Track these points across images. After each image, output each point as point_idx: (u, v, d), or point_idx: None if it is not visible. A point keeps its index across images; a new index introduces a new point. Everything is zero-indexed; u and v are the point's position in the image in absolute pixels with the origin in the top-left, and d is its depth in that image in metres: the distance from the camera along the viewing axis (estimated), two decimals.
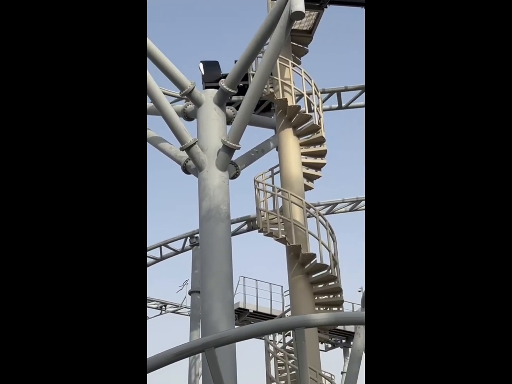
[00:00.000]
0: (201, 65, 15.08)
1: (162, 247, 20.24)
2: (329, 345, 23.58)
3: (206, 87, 13.86)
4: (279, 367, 11.76)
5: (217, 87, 12.38)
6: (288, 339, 13.25)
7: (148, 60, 10.88)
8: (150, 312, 23.19)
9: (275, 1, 11.32)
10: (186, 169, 11.81)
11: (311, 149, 12.91)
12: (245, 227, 19.50)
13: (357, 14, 13.19)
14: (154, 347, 6.18)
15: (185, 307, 22.85)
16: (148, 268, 20.75)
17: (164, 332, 41.51)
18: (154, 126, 14.18)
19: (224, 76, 13.47)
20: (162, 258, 20.55)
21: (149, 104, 11.98)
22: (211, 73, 14.09)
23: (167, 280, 42.55)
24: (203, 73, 14.72)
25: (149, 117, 12.61)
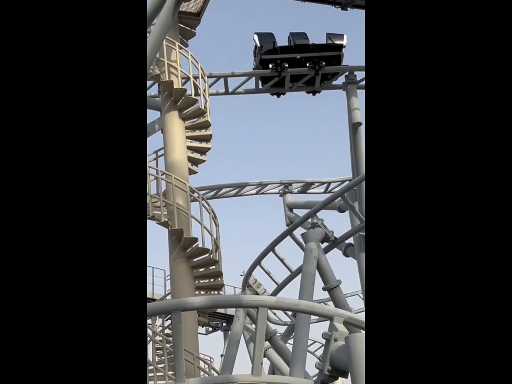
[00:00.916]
0: (255, 37, 15.10)
1: None
2: (210, 329, 23.85)
3: (261, 60, 14.64)
4: (157, 351, 11.77)
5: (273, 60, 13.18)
6: (168, 323, 13.26)
7: None
8: None
9: None
10: None
11: (197, 133, 12.91)
12: None
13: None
14: None
15: None
16: None
17: None
18: None
19: (280, 48, 14.59)
20: None
21: None
22: (267, 43, 14.94)
23: None
24: (258, 44, 14.92)
25: None
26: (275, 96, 16.30)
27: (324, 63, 15.09)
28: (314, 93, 16.28)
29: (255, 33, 15.40)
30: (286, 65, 15.03)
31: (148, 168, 12.47)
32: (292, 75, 15.46)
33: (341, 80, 16.05)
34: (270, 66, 15.14)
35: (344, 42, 15.48)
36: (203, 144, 13.00)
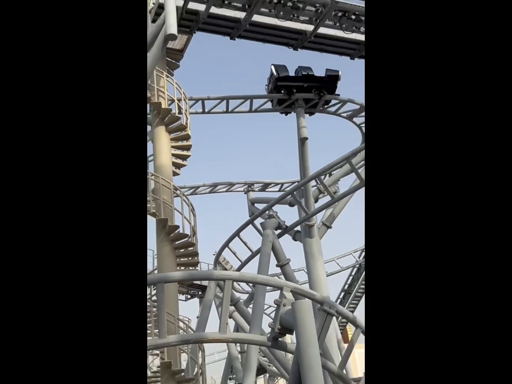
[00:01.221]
0: (272, 67, 14.62)
1: None
2: (188, 296, 23.70)
3: (276, 86, 14.15)
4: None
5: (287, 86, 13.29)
6: (154, 292, 13.14)
7: None
8: None
9: (153, 24, 11.11)
10: None
11: (179, 143, 12.84)
12: None
13: (220, 40, 13.25)
14: None
15: None
16: None
17: None
18: None
19: (292, 77, 14.30)
20: None
21: None
22: (283, 74, 14.47)
23: None
24: (274, 73, 14.46)
25: None
26: (283, 114, 15.87)
27: (325, 92, 14.82)
28: (311, 113, 16.00)
29: (272, 64, 14.94)
30: (295, 90, 14.68)
31: None
32: (299, 99, 15.01)
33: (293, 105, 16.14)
34: (282, 91, 14.67)
35: (339, 76, 15.36)
36: (184, 152, 12.93)
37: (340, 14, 12.69)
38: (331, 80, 14.87)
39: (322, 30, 13.12)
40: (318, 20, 12.62)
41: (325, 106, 15.51)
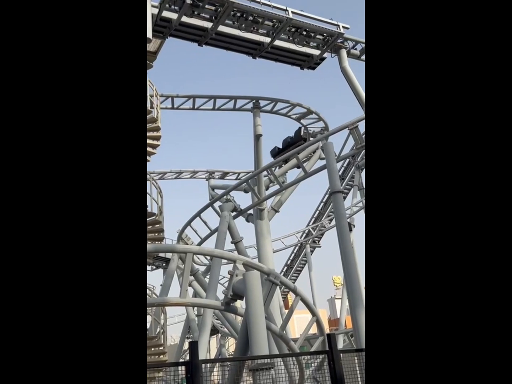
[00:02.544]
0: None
1: None
2: (154, 267, 23.39)
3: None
4: None
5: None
6: None
7: None
8: None
9: None
10: None
11: (150, 134, 12.57)
12: None
13: (189, 45, 13.01)
14: None
15: None
16: None
17: None
18: None
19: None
20: None
21: None
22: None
23: None
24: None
25: None
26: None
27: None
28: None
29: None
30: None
31: None
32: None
33: (250, 105, 16.15)
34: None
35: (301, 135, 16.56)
36: (155, 142, 12.65)
37: (293, 29, 12.74)
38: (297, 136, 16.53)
39: (277, 42, 13.13)
40: (274, 34, 12.62)
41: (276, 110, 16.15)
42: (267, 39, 13.15)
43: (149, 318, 11.97)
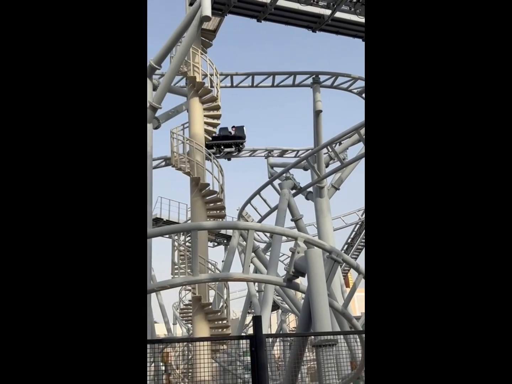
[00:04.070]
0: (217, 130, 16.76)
1: None
2: (216, 244, 24.07)
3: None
4: (180, 257, 11.91)
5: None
6: (187, 238, 13.38)
7: None
8: None
9: (191, 7, 10.89)
10: None
11: (210, 112, 12.73)
12: (163, 163, 19.07)
13: (248, 22, 12.92)
14: None
15: None
16: None
17: None
18: None
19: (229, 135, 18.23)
20: None
21: None
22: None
23: None
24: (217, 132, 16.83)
25: None
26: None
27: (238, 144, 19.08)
28: (229, 159, 19.72)
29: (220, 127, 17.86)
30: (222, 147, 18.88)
31: (177, 135, 12.34)
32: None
33: (309, 81, 15.84)
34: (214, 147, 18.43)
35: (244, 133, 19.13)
36: (215, 121, 12.82)
37: (354, 0, 12.22)
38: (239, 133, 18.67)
39: (338, 14, 12.68)
40: (335, 5, 12.19)
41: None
42: (327, 12, 12.73)
43: (212, 292, 12.39)
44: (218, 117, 12.79)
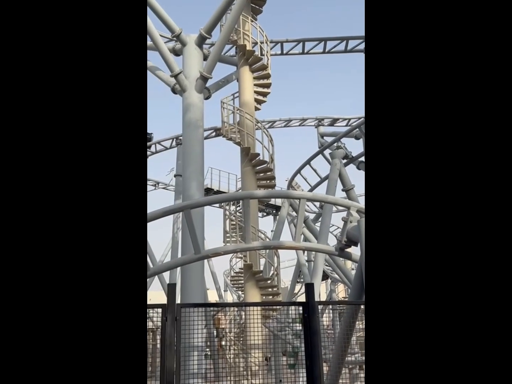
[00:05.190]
0: None
1: (156, 144, 19.85)
2: (265, 214, 24.28)
3: None
4: (232, 226, 12.13)
5: None
6: (237, 209, 13.57)
7: (148, 9, 10.13)
8: (147, 188, 23.14)
9: None
10: (174, 91, 11.36)
11: (261, 81, 12.60)
12: (213, 134, 19.27)
13: None
14: (151, 210, 6.23)
15: (171, 186, 22.86)
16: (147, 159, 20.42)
17: (157, 202, 41.87)
18: (152, 59, 13.49)
19: None
20: (157, 152, 20.24)
21: (149, 43, 11.29)
22: None
23: (159, 167, 42.28)
24: None
25: (148, 52, 11.93)
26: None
27: None
28: None
29: None
30: None
31: (227, 105, 12.36)
32: None
33: (362, 46, 15.20)
34: None
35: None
36: (265, 89, 12.69)
37: None
38: None
39: None
40: None
41: None
42: None
43: (262, 261, 12.61)
44: (268, 85, 12.65)
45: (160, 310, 4.03)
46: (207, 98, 11.61)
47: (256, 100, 12.51)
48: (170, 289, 3.95)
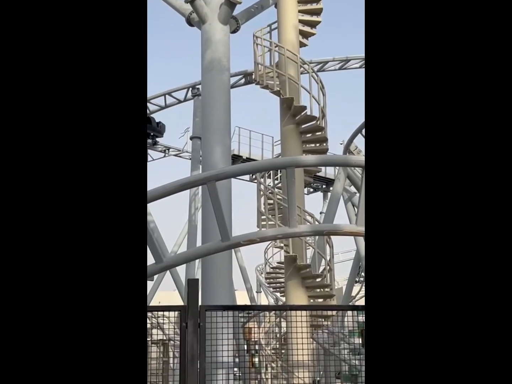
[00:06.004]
0: None
1: (166, 96, 19.94)
2: (311, 190, 24.20)
3: None
4: (268, 205, 12.13)
5: None
6: (275, 183, 13.56)
7: None
8: (155, 155, 23.41)
9: None
10: (190, 22, 11.27)
11: (308, 6, 12.35)
12: (243, 81, 19.17)
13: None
14: (160, 184, 6.26)
15: (186, 152, 23.04)
16: (153, 115, 20.62)
17: (167, 173, 42.37)
18: None
19: None
20: (166, 106, 20.36)
21: None
22: None
23: (170, 127, 42.43)
24: None
25: None
26: None
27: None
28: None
29: None
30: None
31: (262, 40, 12.20)
32: None
33: None
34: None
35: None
36: (314, 18, 12.45)
37: None
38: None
39: None
40: None
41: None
42: None
43: (309, 252, 12.59)
44: (318, 12, 12.39)
45: (175, 314, 4.05)
46: (234, 31, 11.46)
47: (302, 33, 12.29)
48: (192, 286, 3.96)
